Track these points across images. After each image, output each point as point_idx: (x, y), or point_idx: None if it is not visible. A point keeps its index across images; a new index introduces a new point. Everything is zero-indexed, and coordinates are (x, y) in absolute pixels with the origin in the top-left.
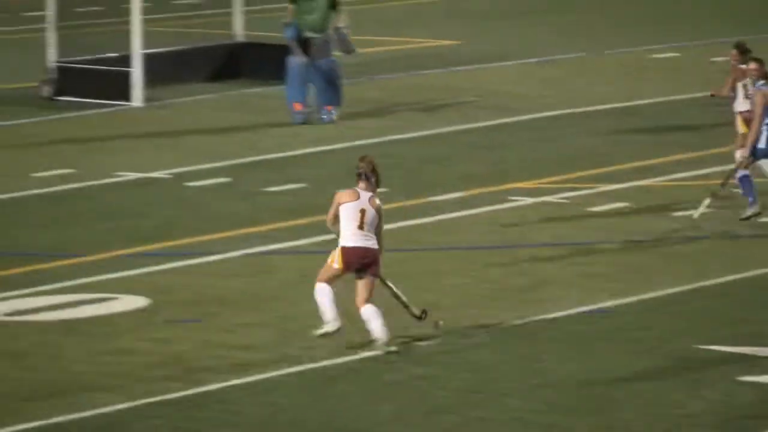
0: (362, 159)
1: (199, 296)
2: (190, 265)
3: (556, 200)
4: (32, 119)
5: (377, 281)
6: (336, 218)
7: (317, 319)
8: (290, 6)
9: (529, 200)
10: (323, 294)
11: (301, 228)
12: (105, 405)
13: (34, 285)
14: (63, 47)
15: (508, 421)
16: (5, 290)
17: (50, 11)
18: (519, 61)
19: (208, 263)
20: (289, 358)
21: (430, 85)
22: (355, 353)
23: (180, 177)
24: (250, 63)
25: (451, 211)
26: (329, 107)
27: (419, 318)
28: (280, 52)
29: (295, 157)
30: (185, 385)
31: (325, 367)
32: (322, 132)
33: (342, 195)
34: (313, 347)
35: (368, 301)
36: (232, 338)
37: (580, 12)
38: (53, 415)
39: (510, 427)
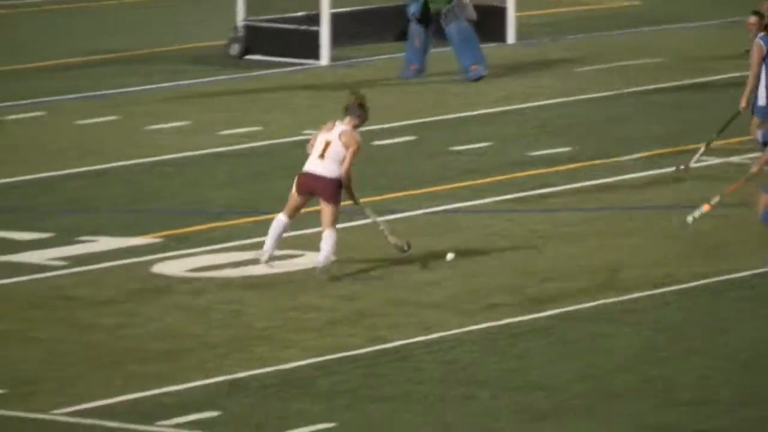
0: (351, 93)
1: (383, 254)
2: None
3: (741, 160)
4: (220, 77)
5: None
6: (311, 146)
7: (501, 276)
8: None
9: (717, 160)
10: (274, 226)
11: (485, 187)
12: (287, 360)
13: (217, 242)
14: (251, 6)
15: (693, 380)
16: (188, 247)
17: None
18: (702, 23)
19: (393, 221)
20: (472, 315)
21: (614, 44)
22: (540, 311)
23: (365, 135)
24: (436, 23)
25: (636, 171)
26: (473, 66)
27: (402, 250)
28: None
29: (480, 116)
30: (368, 341)
31: (508, 325)
32: (508, 91)
33: (323, 126)
34: (496, 305)
35: (328, 226)
36: (415, 296)
37: None
38: (235, 371)
39: (695, 386)
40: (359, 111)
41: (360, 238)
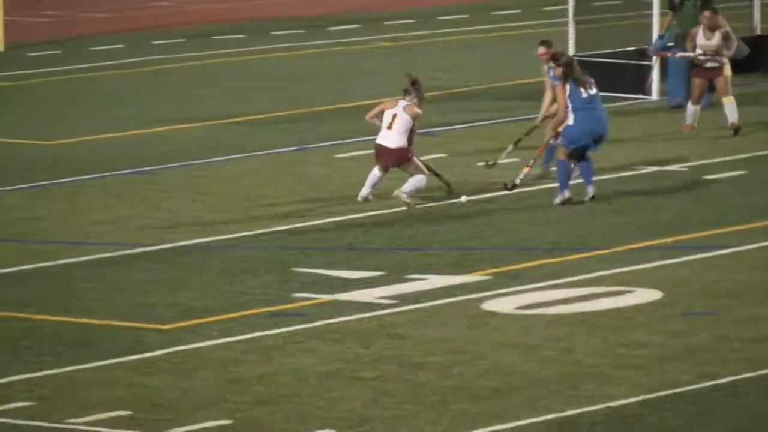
0: (407, 76)
1: (713, 289)
2: (706, 258)
3: None
4: None
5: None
6: (374, 116)
7: None
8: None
9: None
10: (371, 174)
11: None
12: (616, 398)
13: (546, 279)
14: (580, 41)
15: None
16: (517, 284)
17: (570, 6)
18: None
19: (724, 256)
20: None
21: None
22: None
23: (696, 170)
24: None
25: None
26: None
27: (447, 187)
28: None
29: None
30: (697, 378)
31: None
32: None
33: (386, 103)
34: None
35: (418, 172)
36: (743, 331)
37: None
38: (564, 408)
39: None
40: (415, 89)
41: (687, 272)
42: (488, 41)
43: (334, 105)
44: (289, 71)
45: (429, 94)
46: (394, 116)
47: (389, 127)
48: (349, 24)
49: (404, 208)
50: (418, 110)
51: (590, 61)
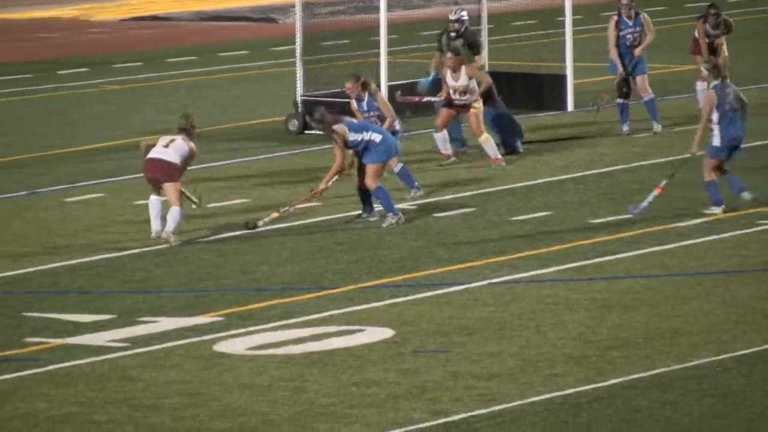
0: (183, 117)
1: (444, 326)
2: (437, 295)
3: None
4: (280, 153)
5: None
6: (148, 145)
7: (563, 346)
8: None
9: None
10: (151, 205)
11: (547, 255)
12: None
13: (278, 319)
14: (309, 81)
15: None
16: (249, 325)
17: (297, 47)
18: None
19: (455, 293)
20: (533, 386)
21: (672, 108)
22: (602, 381)
23: (426, 207)
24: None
25: (696, 237)
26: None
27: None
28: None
29: (541, 184)
30: (430, 415)
31: (570, 395)
32: (569, 159)
33: (162, 137)
34: (557, 375)
35: (171, 203)
36: (476, 368)
37: None
38: None
39: None
40: (192, 126)
41: (418, 310)
42: (215, 83)
43: (64, 149)
44: (19, 115)
45: (156, 136)
46: (173, 140)
47: (166, 146)
48: (77, 68)
49: (138, 249)
50: (193, 145)
51: (316, 101)
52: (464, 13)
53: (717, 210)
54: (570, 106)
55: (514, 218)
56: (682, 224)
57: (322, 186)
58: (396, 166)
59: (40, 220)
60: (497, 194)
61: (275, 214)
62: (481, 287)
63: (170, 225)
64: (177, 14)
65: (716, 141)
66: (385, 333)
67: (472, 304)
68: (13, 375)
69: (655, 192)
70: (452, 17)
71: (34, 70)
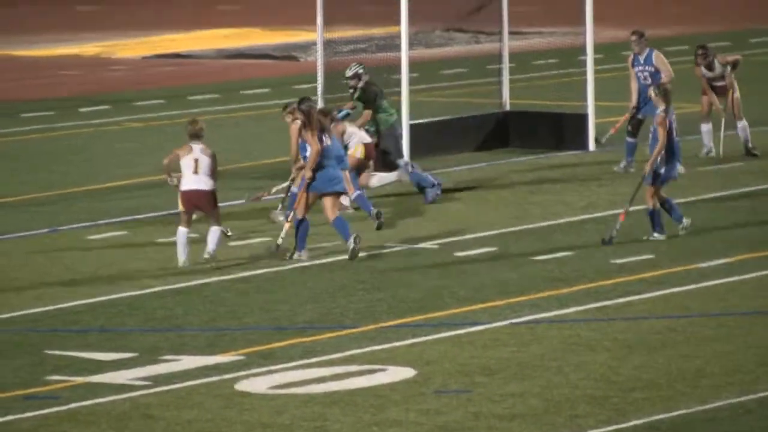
0: (191, 123)
1: (466, 366)
2: (458, 335)
3: None
4: None
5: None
6: (170, 161)
7: (585, 386)
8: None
9: None
10: (179, 236)
11: (568, 296)
12: None
13: (299, 358)
14: None
15: None
16: (270, 364)
17: (319, 84)
18: None
19: (477, 332)
20: (555, 428)
21: (690, 149)
22: (623, 422)
23: (447, 246)
24: (518, 132)
25: (718, 278)
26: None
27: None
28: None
29: (562, 224)
30: None
31: None
32: (590, 199)
33: (178, 150)
34: (579, 416)
35: (213, 224)
36: (498, 408)
37: None
38: None
39: None
40: (200, 132)
41: (439, 350)
42: (237, 120)
43: (85, 186)
44: (40, 153)
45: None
46: (196, 161)
47: (195, 172)
48: (99, 105)
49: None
50: (212, 151)
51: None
52: (360, 67)
53: (660, 237)
54: (591, 146)
55: (535, 258)
56: (703, 265)
57: (308, 174)
58: (353, 193)
59: (61, 257)
60: (518, 234)
61: (287, 225)
62: (503, 327)
63: (211, 245)
64: (199, 52)
65: (664, 169)
66: (407, 372)
67: (494, 344)
68: (36, 413)
69: (620, 219)
70: (348, 73)
71: (55, 108)
